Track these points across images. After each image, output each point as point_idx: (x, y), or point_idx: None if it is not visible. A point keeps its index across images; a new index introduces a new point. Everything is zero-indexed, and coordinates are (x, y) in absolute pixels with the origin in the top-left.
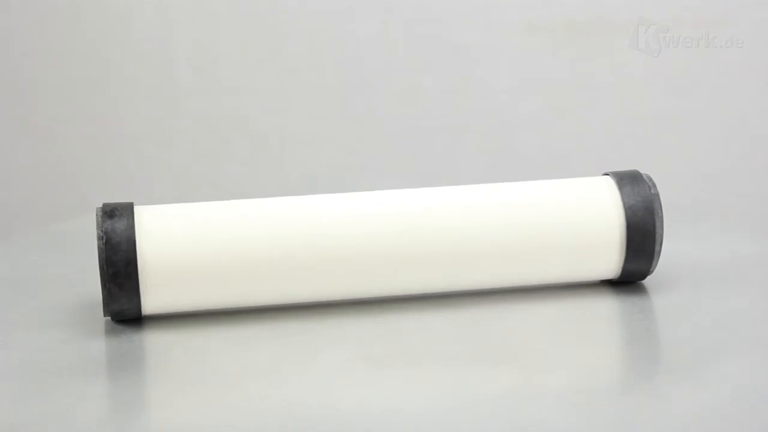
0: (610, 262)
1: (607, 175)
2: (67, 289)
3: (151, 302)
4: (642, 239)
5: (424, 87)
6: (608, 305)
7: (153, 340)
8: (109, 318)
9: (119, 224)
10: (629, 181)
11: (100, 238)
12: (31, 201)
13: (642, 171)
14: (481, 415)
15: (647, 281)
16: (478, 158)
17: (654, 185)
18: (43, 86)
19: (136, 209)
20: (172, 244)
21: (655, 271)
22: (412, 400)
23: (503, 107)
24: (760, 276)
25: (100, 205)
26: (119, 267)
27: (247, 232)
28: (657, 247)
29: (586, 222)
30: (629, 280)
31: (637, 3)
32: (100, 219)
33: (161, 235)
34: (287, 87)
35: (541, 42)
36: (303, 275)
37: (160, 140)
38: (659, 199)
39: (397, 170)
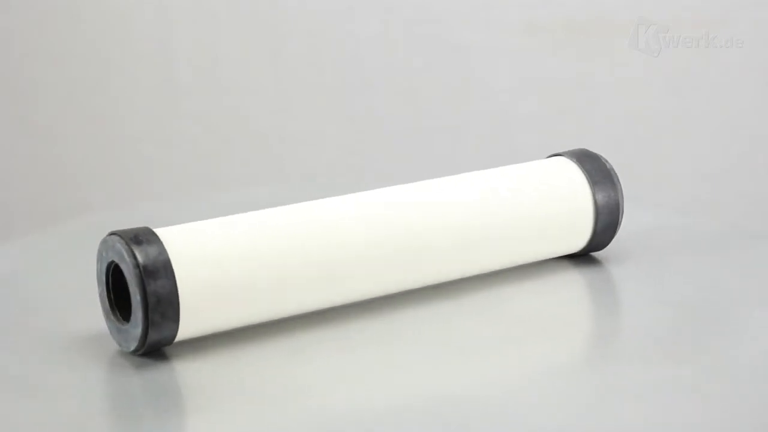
0: (583, 236)
1: (560, 155)
2: (67, 315)
3: (187, 327)
4: (609, 212)
5: (424, 87)
6: (597, 276)
7: (179, 365)
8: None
9: (151, 250)
10: (587, 159)
11: (134, 268)
12: (31, 201)
13: (611, 159)
14: (554, 389)
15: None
16: (478, 158)
17: (607, 161)
18: (43, 86)
19: (158, 232)
20: (207, 263)
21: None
22: (495, 383)
23: (503, 107)
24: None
25: (109, 233)
26: (162, 295)
27: (274, 242)
28: (621, 218)
29: (565, 200)
30: (591, 251)
31: (637, 3)
32: (124, 247)
33: (194, 256)
34: (287, 87)
35: (541, 42)
36: (333, 279)
37: (160, 140)
38: (615, 173)
39: (397, 170)
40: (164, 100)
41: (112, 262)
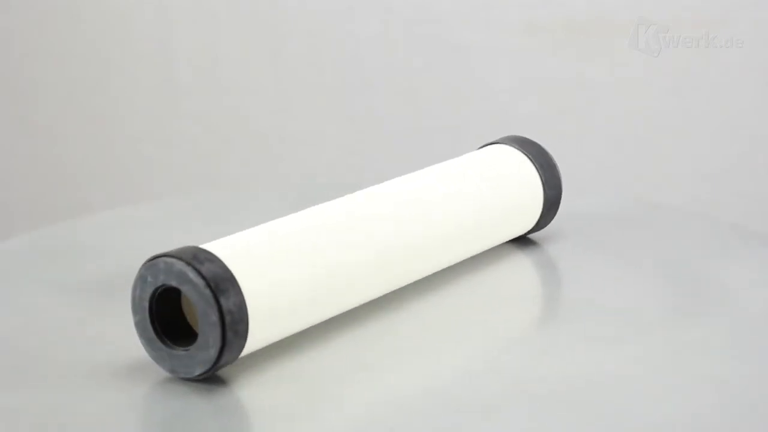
0: (534, 217)
1: (498, 143)
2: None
3: (252, 342)
4: (554, 193)
5: (424, 87)
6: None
7: (233, 384)
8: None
9: (216, 268)
10: (525, 144)
11: (204, 288)
12: (31, 201)
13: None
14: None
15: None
16: None
17: (540, 145)
18: (43, 86)
19: (209, 245)
20: (266, 275)
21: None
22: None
23: (503, 107)
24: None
25: (153, 257)
26: (234, 312)
27: (319, 245)
28: (560, 199)
29: (522, 184)
30: (536, 231)
31: (637, 3)
32: (186, 267)
33: (252, 268)
34: (287, 87)
35: (541, 42)
36: (377, 274)
37: (160, 140)
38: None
39: (398, 170)
40: (164, 100)
41: (162, 286)
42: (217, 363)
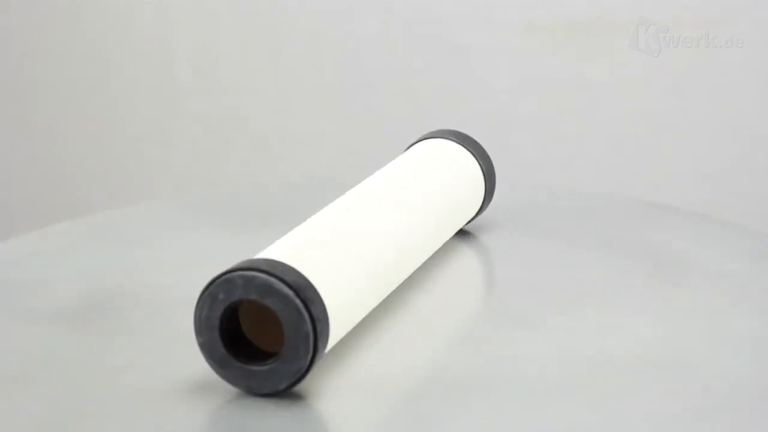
0: (478, 203)
1: (434, 138)
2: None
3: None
4: (491, 182)
5: (424, 87)
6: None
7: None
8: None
9: (295, 276)
10: (458, 136)
11: (294, 298)
12: (31, 201)
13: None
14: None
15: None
16: None
17: (471, 137)
18: (43, 86)
19: (269, 255)
20: (336, 278)
21: None
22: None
23: (503, 107)
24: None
25: (223, 273)
26: (322, 320)
27: (361, 243)
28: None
29: (472, 177)
30: (474, 219)
31: (637, 3)
32: (271, 279)
33: (321, 273)
34: (287, 87)
35: (541, 42)
36: (398, 270)
37: (160, 140)
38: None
39: None
40: (164, 100)
41: (240, 300)
42: (306, 373)
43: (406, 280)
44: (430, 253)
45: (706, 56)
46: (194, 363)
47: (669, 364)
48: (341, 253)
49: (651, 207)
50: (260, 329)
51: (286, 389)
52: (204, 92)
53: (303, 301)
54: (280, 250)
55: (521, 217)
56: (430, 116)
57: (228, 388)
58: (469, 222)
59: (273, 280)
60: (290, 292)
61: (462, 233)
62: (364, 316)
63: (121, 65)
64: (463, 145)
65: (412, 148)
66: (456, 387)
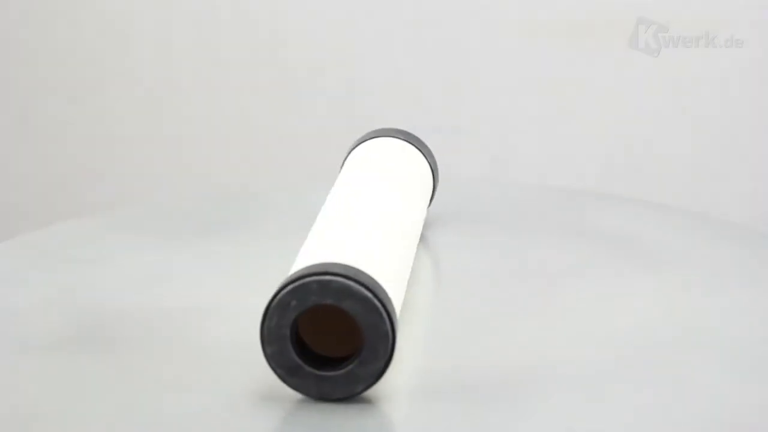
0: (428, 196)
1: (380, 137)
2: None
3: None
4: (436, 173)
5: (424, 87)
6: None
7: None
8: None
9: (368, 278)
10: (404, 134)
11: (373, 299)
12: (31, 201)
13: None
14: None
15: None
16: (478, 158)
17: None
18: (43, 86)
19: (326, 258)
20: (387, 276)
21: None
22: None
23: (503, 107)
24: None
25: (292, 281)
26: (395, 321)
27: (390, 228)
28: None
29: (426, 173)
30: None
31: (637, 3)
32: (349, 282)
33: (380, 272)
34: (287, 87)
35: (541, 42)
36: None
37: (160, 140)
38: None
39: None
40: (164, 100)
41: (315, 306)
42: (382, 375)
43: None
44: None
45: (706, 56)
46: (234, 375)
47: (685, 338)
48: (384, 249)
49: (607, 197)
50: (315, 336)
51: (361, 392)
52: (204, 92)
53: (381, 302)
54: (331, 252)
55: (477, 212)
56: (430, 116)
57: (283, 396)
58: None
59: (350, 282)
60: (369, 294)
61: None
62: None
63: (121, 65)
64: (409, 142)
65: (362, 147)
66: (505, 382)
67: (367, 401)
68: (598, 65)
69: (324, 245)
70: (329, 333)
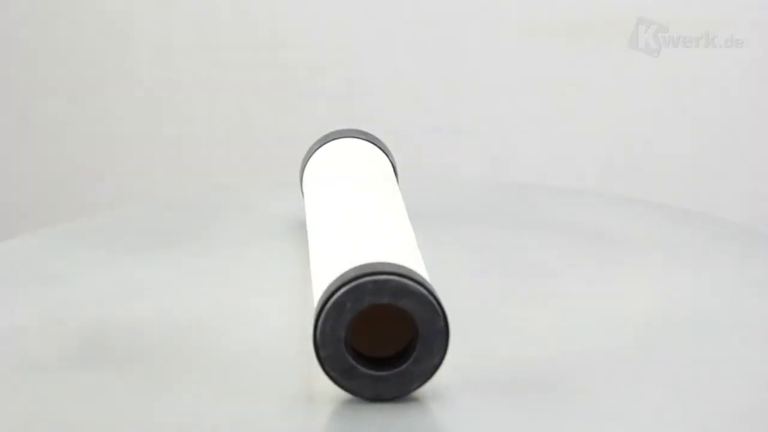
0: None
1: (341, 138)
2: None
3: None
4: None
5: (425, 87)
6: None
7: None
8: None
9: (418, 276)
10: (363, 134)
11: (429, 296)
12: (31, 201)
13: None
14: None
15: None
16: (478, 158)
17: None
18: (43, 86)
19: (371, 258)
20: (421, 268)
21: None
22: None
23: (503, 107)
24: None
25: (349, 280)
26: (446, 312)
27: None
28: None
29: (390, 169)
30: None
31: (637, 3)
32: (405, 280)
33: (420, 267)
34: (287, 87)
35: (541, 42)
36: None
37: (160, 140)
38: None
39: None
40: (164, 100)
41: (373, 305)
42: (435, 372)
43: None
44: None
45: (706, 56)
46: (265, 380)
47: (696, 321)
48: (410, 246)
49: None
50: (358, 337)
51: (414, 390)
52: (204, 92)
53: (435, 298)
54: (374, 252)
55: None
56: (430, 116)
57: (325, 396)
58: None
59: (406, 281)
60: (424, 291)
61: None
62: None
63: (122, 65)
64: (371, 143)
65: (324, 150)
66: (539, 373)
67: (412, 399)
68: (598, 65)
69: (360, 246)
70: (371, 333)
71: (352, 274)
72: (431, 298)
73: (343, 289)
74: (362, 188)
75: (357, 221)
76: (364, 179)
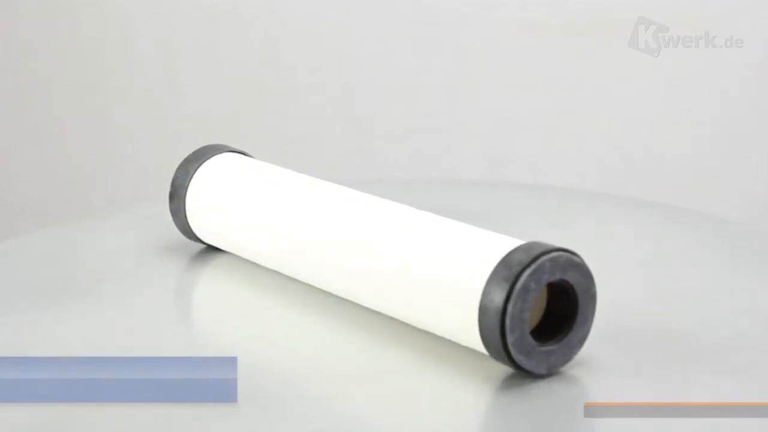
0: None
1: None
2: None
3: None
4: None
5: (424, 87)
6: None
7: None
8: None
9: (566, 248)
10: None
11: (585, 265)
12: (31, 201)
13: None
14: None
15: None
16: (478, 158)
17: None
18: (43, 86)
19: (511, 243)
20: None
21: None
22: None
23: (503, 107)
24: None
25: (524, 267)
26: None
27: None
28: None
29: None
30: None
31: (637, 3)
32: (568, 257)
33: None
34: (287, 87)
35: (541, 42)
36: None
37: (160, 140)
38: None
39: (397, 170)
40: (164, 100)
41: (557, 281)
42: (587, 337)
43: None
44: None
45: (706, 56)
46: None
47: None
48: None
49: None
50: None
51: (574, 356)
52: (204, 92)
53: (587, 267)
54: (499, 238)
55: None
56: (430, 116)
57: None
58: None
59: (570, 255)
60: (582, 261)
61: None
62: None
63: (121, 65)
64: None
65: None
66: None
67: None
68: (598, 65)
69: (486, 236)
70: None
71: (530, 255)
72: (587, 267)
73: (527, 271)
74: (365, 201)
75: (432, 224)
76: (340, 191)
